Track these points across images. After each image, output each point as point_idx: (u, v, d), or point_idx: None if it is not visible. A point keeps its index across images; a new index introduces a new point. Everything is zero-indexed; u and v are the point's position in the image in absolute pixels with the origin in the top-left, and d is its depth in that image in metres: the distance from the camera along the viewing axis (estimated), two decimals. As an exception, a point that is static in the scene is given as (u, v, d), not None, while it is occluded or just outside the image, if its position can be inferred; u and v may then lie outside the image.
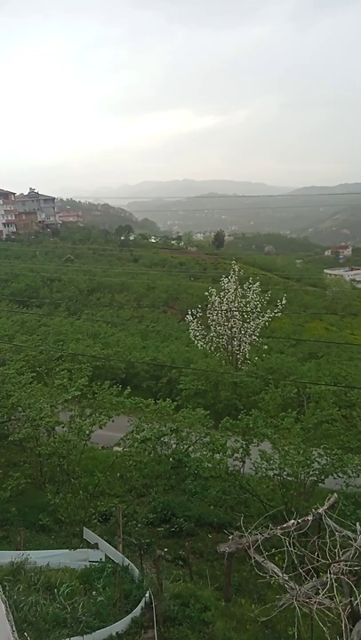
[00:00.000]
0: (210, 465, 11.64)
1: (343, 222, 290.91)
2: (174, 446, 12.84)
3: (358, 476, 11.26)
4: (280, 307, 26.20)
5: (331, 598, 6.19)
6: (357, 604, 6.08)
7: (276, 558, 7.69)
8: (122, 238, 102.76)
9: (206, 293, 27.61)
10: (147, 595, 7.69)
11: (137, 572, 8.55)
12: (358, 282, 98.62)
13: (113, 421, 13.05)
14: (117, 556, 8.84)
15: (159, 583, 7.50)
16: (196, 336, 26.75)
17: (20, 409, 13.40)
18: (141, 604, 7.52)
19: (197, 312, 27.07)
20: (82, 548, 9.65)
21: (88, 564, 9.00)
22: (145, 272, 72.17)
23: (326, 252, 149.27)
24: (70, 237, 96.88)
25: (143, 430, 12.56)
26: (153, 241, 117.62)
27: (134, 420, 13.06)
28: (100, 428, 12.43)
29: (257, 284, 26.75)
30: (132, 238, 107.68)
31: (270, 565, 7.38)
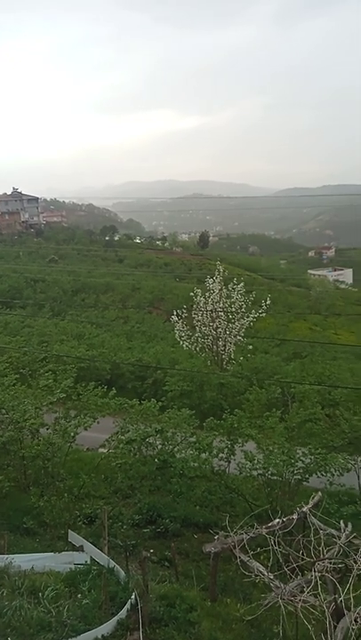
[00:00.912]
0: (195, 464, 11.66)
1: (326, 223, 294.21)
2: (160, 447, 12.83)
3: (342, 475, 11.40)
4: (264, 307, 26.39)
5: (315, 596, 6.26)
6: (341, 601, 6.15)
7: (262, 557, 7.74)
8: (106, 239, 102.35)
9: (191, 294, 27.66)
10: (132, 596, 7.66)
11: (123, 573, 8.51)
12: (342, 282, 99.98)
13: (98, 423, 13.00)
14: (103, 558, 8.78)
15: (145, 584, 7.47)
16: (181, 337, 26.78)
17: (3, 411, 13.24)
18: (127, 605, 7.49)
19: (183, 313, 27.10)
20: (67, 550, 9.58)
21: (73, 566, 8.92)
22: (130, 273, 71.98)
23: (310, 253, 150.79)
24: (54, 238, 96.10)
25: (128, 431, 12.53)
26: (138, 241, 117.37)
27: (119, 421, 13.02)
28: (85, 429, 12.37)
29: (242, 284, 26.90)
30: (116, 239, 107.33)
31: (256, 564, 7.42)
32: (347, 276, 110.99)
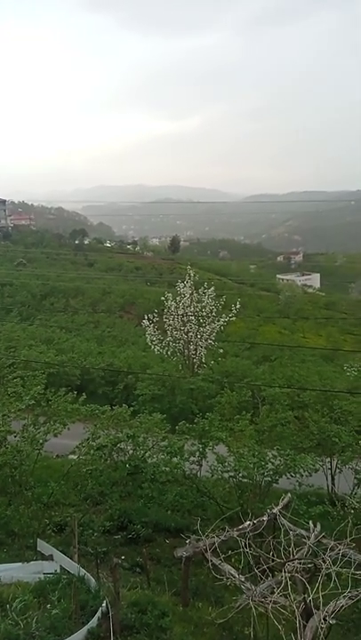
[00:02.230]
0: (167, 469, 11.64)
1: (295, 229, 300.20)
2: (131, 452, 12.74)
3: (310, 475, 11.59)
4: (235, 311, 26.65)
5: (285, 596, 6.34)
6: (311, 600, 6.25)
7: (233, 560, 7.78)
8: (76, 242, 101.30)
9: (162, 298, 27.66)
10: (103, 604, 7.57)
11: (93, 581, 8.39)
12: (309, 287, 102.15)
13: (68, 429, 12.80)
14: (73, 567, 8.64)
15: (116, 592, 7.39)
16: (152, 341, 26.74)
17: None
18: (98, 614, 7.39)
19: (154, 317, 27.08)
20: (36, 560, 9.37)
21: (42, 576, 8.74)
22: (100, 277, 71.51)
23: (279, 258, 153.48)
24: (22, 241, 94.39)
25: (99, 437, 12.40)
26: (108, 245, 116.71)
27: (90, 427, 12.86)
28: (55, 436, 12.15)
29: (212, 288, 27.10)
30: (86, 242, 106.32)
31: (227, 567, 7.46)
32: (314, 280, 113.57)
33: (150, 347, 27.18)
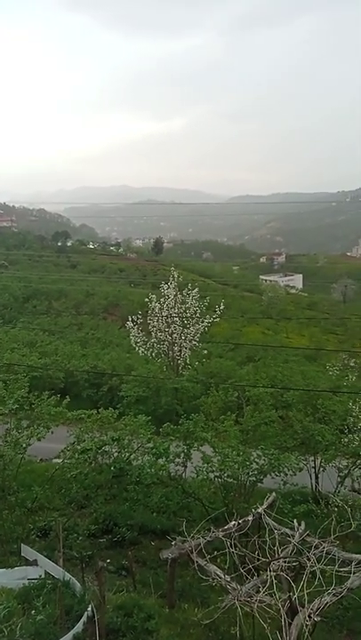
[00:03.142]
0: (152, 471, 11.61)
1: (277, 230, 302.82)
2: (116, 454, 12.68)
3: (295, 474, 11.69)
4: (219, 312, 26.72)
5: (271, 595, 6.38)
6: (296, 598, 6.30)
7: (219, 560, 7.80)
8: (59, 244, 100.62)
9: (146, 300, 27.60)
10: (89, 609, 7.52)
11: (78, 586, 8.33)
12: (292, 287, 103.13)
13: (52, 433, 12.69)
14: (58, 572, 8.56)
15: (102, 595, 7.34)
16: (136, 342, 26.63)
17: None
18: (83, 618, 7.34)
19: (138, 318, 26.98)
20: (20, 565, 9.26)
21: (27, 582, 8.64)
22: (84, 278, 71.13)
23: (261, 259, 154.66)
24: (4, 243, 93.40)
25: (84, 441, 12.32)
26: (91, 247, 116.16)
27: (75, 430, 12.77)
28: (39, 440, 12.03)
29: (196, 290, 27.12)
30: (69, 244, 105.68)
31: (213, 568, 7.47)
32: (297, 281, 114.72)
33: (134, 348, 27.07)
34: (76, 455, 11.64)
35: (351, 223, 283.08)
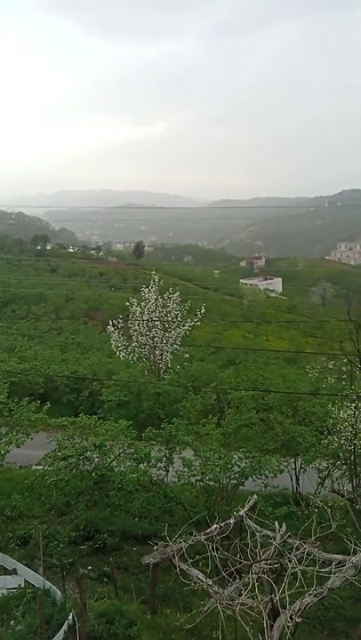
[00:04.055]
0: (134, 476, 11.55)
1: (257, 234, 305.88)
2: (97, 460, 12.57)
3: (276, 477, 11.77)
4: (200, 316, 26.81)
5: (253, 598, 6.40)
6: (277, 600, 6.33)
7: (201, 564, 7.79)
8: (38, 248, 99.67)
9: (127, 304, 27.51)
10: (70, 617, 7.42)
11: (59, 594, 8.21)
12: (272, 291, 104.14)
13: (32, 439, 12.51)
14: (38, 580, 8.43)
15: (82, 603, 7.25)
16: (117, 347, 26.50)
17: None
18: (64, 627, 7.24)
19: (119, 323, 26.87)
20: (-2, 575, 9.08)
21: (6, 591, 8.48)
22: (63, 282, 70.52)
23: (242, 263, 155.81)
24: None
25: (65, 447, 12.18)
26: (71, 251, 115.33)
27: (56, 436, 12.62)
28: (18, 446, 11.85)
29: (177, 293, 27.16)
30: (49, 248, 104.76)
31: (195, 572, 7.46)
32: (276, 284, 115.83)
33: (116, 353, 26.93)
34: (57, 462, 11.51)
35: (329, 227, 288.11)
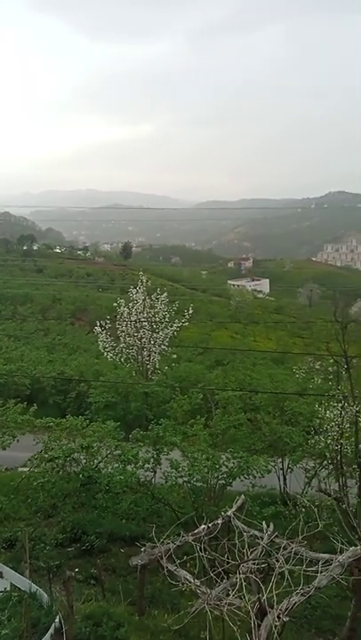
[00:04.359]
0: (121, 478, 11.50)
1: (244, 235, 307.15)
2: (84, 462, 12.50)
3: (263, 477, 11.82)
4: (187, 316, 26.82)
5: (240, 598, 6.41)
6: (265, 599, 6.35)
7: (189, 565, 7.79)
8: (24, 248, 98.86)
9: (115, 304, 27.41)
10: (56, 620, 7.36)
11: (46, 597, 8.14)
12: (259, 292, 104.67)
13: (18, 441, 12.40)
14: (24, 583, 8.34)
15: (69, 606, 7.20)
16: (105, 348, 26.39)
17: None
18: (51, 630, 7.17)
19: (106, 323, 26.76)
20: (-16, 579, 8.96)
21: (-9, 595, 8.37)
22: (50, 283, 70.00)
23: (229, 264, 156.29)
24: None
25: (52, 449, 12.09)
26: (58, 251, 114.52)
27: (43, 438, 12.52)
28: (4, 449, 11.75)
29: (165, 294, 27.14)
30: (35, 248, 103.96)
31: (182, 573, 7.45)
32: (264, 285, 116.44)
33: (103, 354, 26.81)
34: (44, 463, 11.42)
35: (316, 229, 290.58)
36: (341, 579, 7.07)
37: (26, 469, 12.21)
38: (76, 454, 12.28)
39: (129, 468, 11.66)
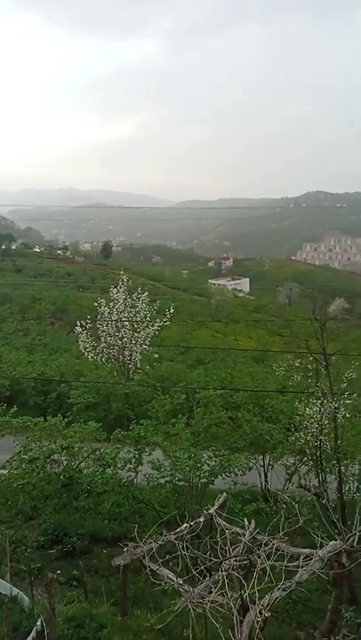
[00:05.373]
0: (103, 478, 11.45)
1: (224, 235, 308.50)
2: (65, 463, 12.40)
3: (245, 474, 11.92)
4: (169, 316, 26.81)
5: (223, 595, 6.46)
6: (247, 596, 6.41)
7: (171, 564, 7.82)
8: (2, 247, 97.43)
9: (95, 304, 27.22)
10: (38, 623, 7.29)
11: (27, 600, 8.06)
12: (240, 291, 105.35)
13: (-4, 443, 12.22)
14: (5, 587, 8.24)
15: (51, 608, 7.14)
16: (86, 348, 26.17)
17: None
18: (32, 634, 7.11)
19: (87, 323, 26.55)
20: None
21: (-29, 601, 8.25)
22: (29, 283, 69.18)
23: (210, 263, 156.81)
24: None
25: (31, 450, 11.96)
26: (37, 250, 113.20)
27: (21, 439, 12.38)
28: (-18, 451, 11.55)
29: (146, 293, 27.06)
30: (14, 247, 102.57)
31: (165, 572, 7.46)
32: (244, 284, 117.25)
33: (84, 354, 26.58)
34: (23, 465, 11.29)
35: (295, 228, 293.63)
36: (322, 573, 7.18)
37: (5, 471, 12.05)
38: (56, 455, 12.18)
39: (109, 470, 11.61)
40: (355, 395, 11.68)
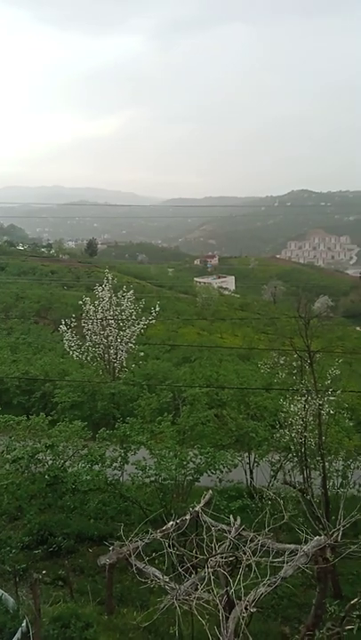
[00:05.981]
0: (88, 477, 11.39)
1: (210, 233, 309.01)
2: (50, 462, 12.30)
3: (230, 471, 11.97)
4: (154, 314, 26.78)
5: (209, 592, 6.48)
6: (233, 592, 6.45)
7: (157, 562, 7.81)
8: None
9: (80, 302, 27.05)
10: (23, 624, 7.23)
11: (12, 601, 7.98)
12: (225, 289, 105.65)
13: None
14: (-11, 589, 8.16)
15: (37, 609, 7.09)
16: (71, 347, 26.01)
17: None
18: (17, 635, 7.05)
19: (72, 322, 26.37)
20: None
21: None
22: (13, 281, 68.35)
23: (195, 261, 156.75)
24: None
25: (15, 449, 11.84)
26: (21, 248, 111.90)
27: (4, 439, 12.25)
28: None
29: (131, 292, 26.99)
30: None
31: (151, 570, 7.47)
32: (229, 282, 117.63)
33: (69, 352, 26.42)
34: (7, 465, 11.17)
35: (280, 227, 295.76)
36: (306, 568, 7.26)
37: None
38: (40, 454, 12.08)
39: (96, 467, 11.56)
40: (339, 392, 11.80)
